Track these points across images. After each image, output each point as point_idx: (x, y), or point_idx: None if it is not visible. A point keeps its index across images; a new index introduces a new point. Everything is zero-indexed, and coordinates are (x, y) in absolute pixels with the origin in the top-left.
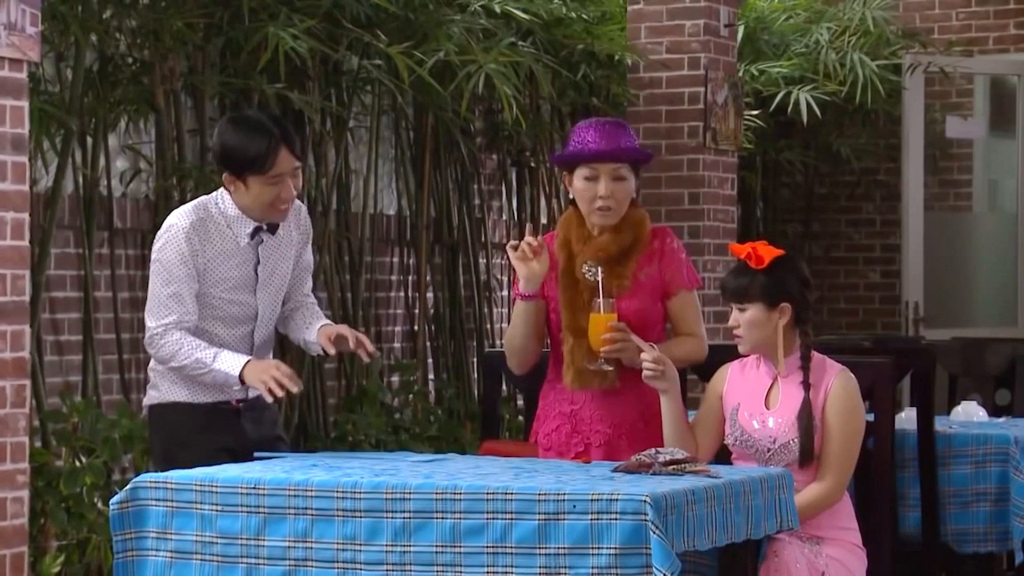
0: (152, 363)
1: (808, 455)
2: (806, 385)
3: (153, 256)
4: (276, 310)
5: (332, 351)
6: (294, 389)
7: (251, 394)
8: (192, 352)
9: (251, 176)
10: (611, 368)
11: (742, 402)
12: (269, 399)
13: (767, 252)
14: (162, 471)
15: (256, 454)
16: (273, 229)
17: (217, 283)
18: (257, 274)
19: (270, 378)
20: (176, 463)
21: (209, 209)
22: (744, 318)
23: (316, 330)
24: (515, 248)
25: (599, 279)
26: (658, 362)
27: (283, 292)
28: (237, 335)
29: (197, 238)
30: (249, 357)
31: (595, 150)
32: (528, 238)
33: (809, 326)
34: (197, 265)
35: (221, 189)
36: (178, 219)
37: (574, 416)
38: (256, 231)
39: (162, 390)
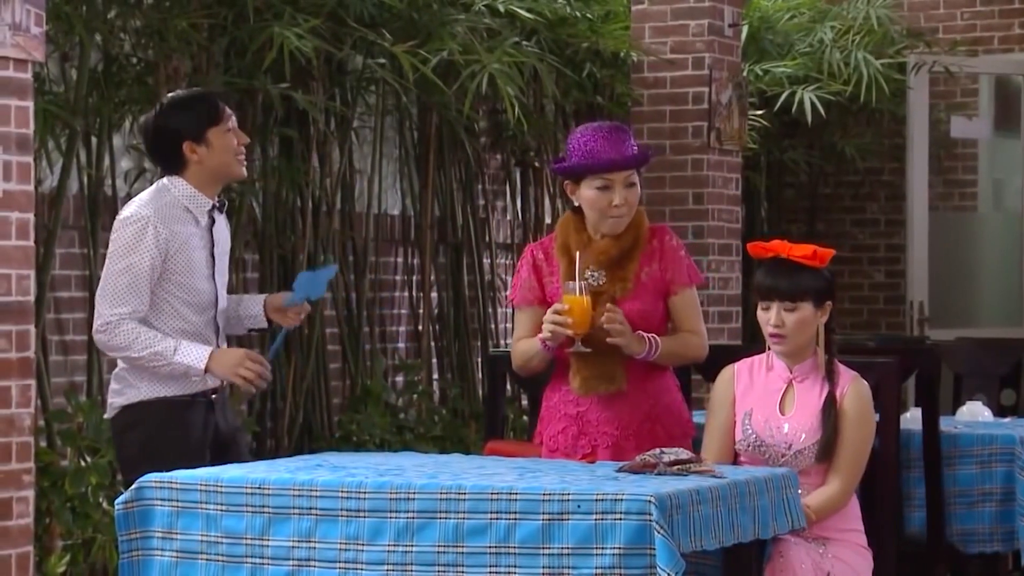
0: (122, 363)
1: (829, 450)
2: (831, 381)
3: (113, 243)
4: (225, 300)
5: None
6: (263, 386)
7: (211, 383)
8: (150, 344)
9: (212, 129)
10: (587, 350)
11: (755, 407)
12: (251, 390)
13: (825, 251)
14: (144, 470)
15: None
16: (222, 207)
17: (187, 268)
18: (213, 257)
19: (246, 371)
20: (157, 460)
21: (165, 197)
22: (794, 318)
23: (260, 301)
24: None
25: (593, 279)
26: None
27: (226, 284)
28: (204, 320)
29: (164, 228)
30: (212, 348)
31: (608, 159)
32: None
33: (834, 322)
34: (168, 252)
35: (166, 177)
36: (141, 210)
37: (580, 418)
38: (211, 209)
39: (141, 389)
